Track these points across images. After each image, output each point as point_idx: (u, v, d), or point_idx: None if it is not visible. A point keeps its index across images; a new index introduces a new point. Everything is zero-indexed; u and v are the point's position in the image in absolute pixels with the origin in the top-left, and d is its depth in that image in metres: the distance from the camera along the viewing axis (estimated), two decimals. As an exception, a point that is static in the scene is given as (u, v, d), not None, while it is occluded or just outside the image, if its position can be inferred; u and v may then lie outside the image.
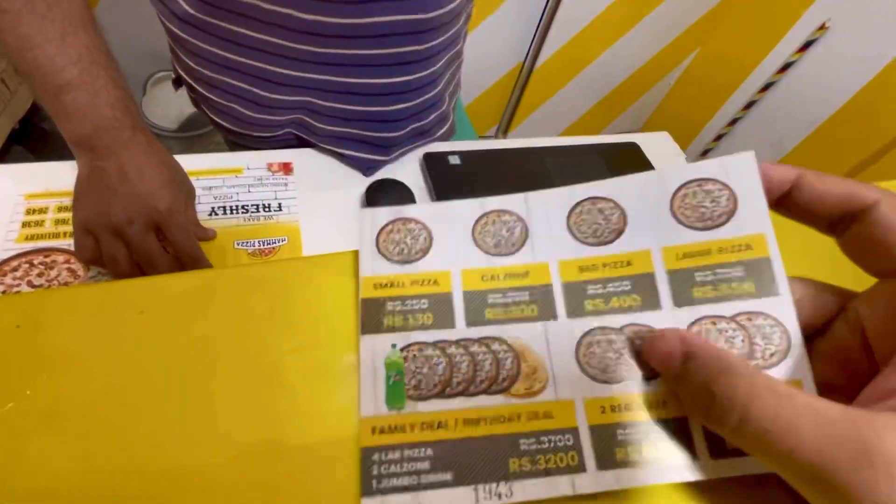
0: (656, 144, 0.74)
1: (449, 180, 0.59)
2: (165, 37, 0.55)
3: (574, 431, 0.18)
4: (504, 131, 1.72)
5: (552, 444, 0.17)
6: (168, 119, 1.34)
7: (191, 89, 0.59)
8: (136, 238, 0.39)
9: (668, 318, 0.19)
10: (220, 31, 0.48)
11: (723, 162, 0.19)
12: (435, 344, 0.19)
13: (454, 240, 0.21)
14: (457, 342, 0.19)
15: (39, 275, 0.42)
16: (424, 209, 0.21)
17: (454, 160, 0.61)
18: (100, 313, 0.17)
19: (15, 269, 0.41)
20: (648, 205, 0.20)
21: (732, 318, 0.18)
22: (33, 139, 0.98)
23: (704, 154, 1.71)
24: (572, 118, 1.78)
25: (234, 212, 0.51)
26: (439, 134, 0.64)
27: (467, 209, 0.21)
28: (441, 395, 0.18)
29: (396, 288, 0.20)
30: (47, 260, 0.42)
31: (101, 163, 0.39)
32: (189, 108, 1.16)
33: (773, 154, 1.50)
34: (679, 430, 0.17)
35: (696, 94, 1.73)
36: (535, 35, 1.45)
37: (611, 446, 0.17)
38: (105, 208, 0.39)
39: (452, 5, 0.51)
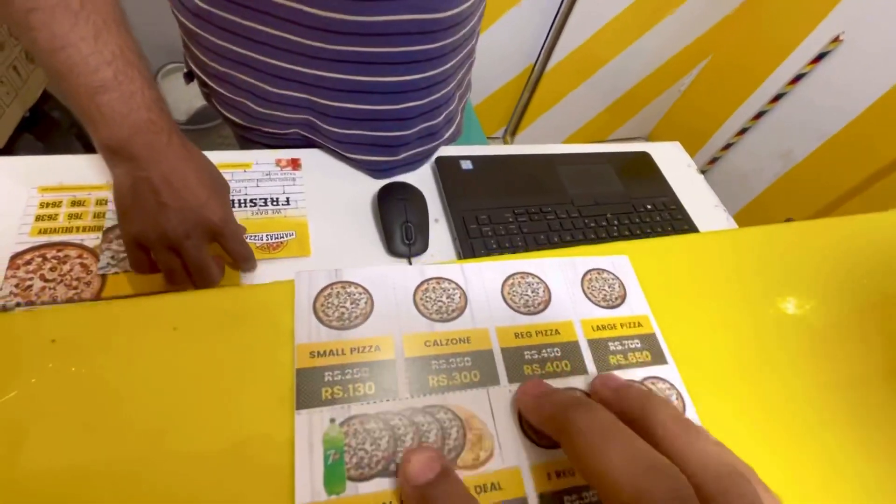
0: (667, 154, 0.74)
1: (460, 185, 0.59)
2: (176, 29, 0.55)
3: (523, 501, 0.17)
4: (512, 133, 1.72)
5: None
6: (178, 112, 1.34)
7: (202, 83, 0.59)
8: (193, 252, 0.39)
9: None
10: (231, 26, 0.48)
11: (611, 259, 0.25)
12: (377, 416, 0.18)
13: (396, 305, 0.21)
14: (400, 413, 0.18)
15: (52, 269, 0.42)
16: (364, 273, 0.21)
17: (466, 165, 0.61)
18: (135, 329, 0.17)
19: (28, 263, 0.41)
20: (565, 283, 0.24)
21: (642, 382, 0.22)
22: (43, 127, 0.98)
23: (712, 163, 1.71)
24: (580, 122, 1.78)
25: (244, 205, 0.51)
26: (447, 135, 0.64)
27: (409, 275, 0.22)
28: (384, 472, 0.17)
29: (335, 356, 0.19)
30: (60, 254, 0.43)
31: (143, 173, 0.38)
32: (199, 101, 1.16)
33: (782, 166, 1.49)
34: None
35: (706, 101, 1.72)
36: (546, 37, 1.44)
37: None
38: (160, 224, 0.38)
39: (465, 5, 0.50)
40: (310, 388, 0.18)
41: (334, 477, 0.16)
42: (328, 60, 0.49)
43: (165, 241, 0.39)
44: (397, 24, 0.47)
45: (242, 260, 0.44)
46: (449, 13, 0.49)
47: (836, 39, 1.29)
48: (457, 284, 0.22)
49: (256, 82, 0.52)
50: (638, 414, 0.17)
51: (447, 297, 0.22)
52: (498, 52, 1.44)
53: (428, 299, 0.21)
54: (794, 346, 0.25)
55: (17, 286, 0.40)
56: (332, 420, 0.17)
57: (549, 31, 1.43)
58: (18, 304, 0.39)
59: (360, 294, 0.21)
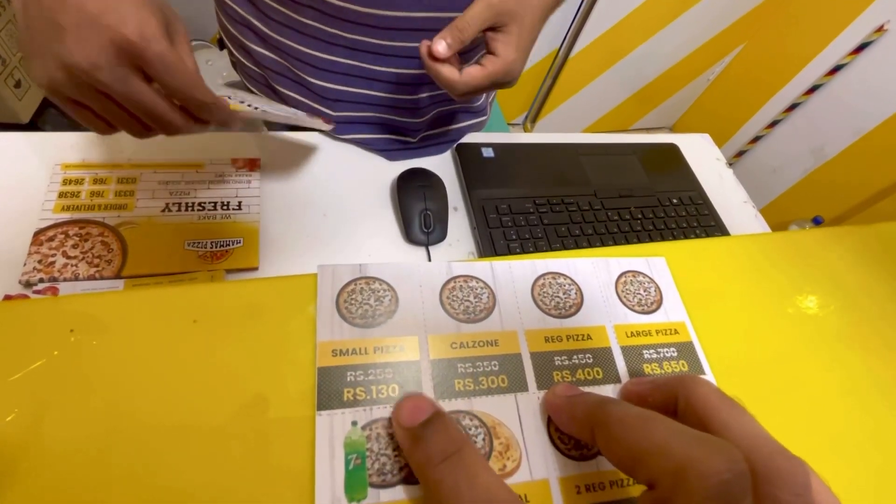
0: (696, 147, 0.71)
1: (481, 173, 0.57)
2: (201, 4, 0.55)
3: None
4: (533, 120, 1.68)
5: None
6: (214, 85, 1.34)
7: (230, 52, 0.60)
8: (116, 86, 0.28)
9: None
10: (259, 3, 0.49)
11: (647, 261, 0.24)
12: None
13: (421, 303, 0.20)
14: None
15: (74, 246, 0.42)
16: (390, 269, 0.20)
17: (487, 152, 0.60)
18: (153, 320, 0.16)
19: (51, 239, 0.42)
20: (598, 285, 0.22)
21: None
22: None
23: (739, 156, 1.66)
24: (603, 110, 1.73)
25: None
26: (469, 123, 0.63)
27: (435, 272, 0.21)
28: (408, 479, 0.16)
29: (358, 355, 0.18)
30: (82, 232, 0.43)
31: None
32: (212, 78, 1.16)
33: (813, 161, 1.44)
34: None
35: (736, 92, 1.66)
36: (572, 23, 1.40)
37: None
38: (59, 56, 0.27)
39: None
40: (331, 388, 0.17)
41: (356, 483, 0.16)
42: (346, 48, 0.49)
43: (78, 81, 0.28)
44: (412, 20, 0.47)
45: (183, 97, 0.30)
46: None
47: (881, 29, 1.23)
48: (485, 283, 0.21)
49: (280, 60, 0.53)
50: (679, 397, 0.16)
51: (475, 297, 0.21)
52: (521, 35, 1.40)
53: (455, 298, 0.20)
54: (839, 359, 0.24)
55: (40, 262, 0.41)
56: (354, 423, 0.17)
57: (574, 15, 1.39)
58: (41, 280, 0.40)
59: (385, 291, 0.20)
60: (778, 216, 1.52)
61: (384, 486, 0.16)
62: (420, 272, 0.21)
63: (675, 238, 0.59)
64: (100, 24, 0.27)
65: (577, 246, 0.55)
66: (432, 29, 0.47)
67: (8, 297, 0.39)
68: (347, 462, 0.16)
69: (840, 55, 1.32)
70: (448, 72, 0.40)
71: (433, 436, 0.15)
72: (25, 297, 0.39)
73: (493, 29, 0.41)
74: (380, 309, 0.19)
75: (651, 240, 0.58)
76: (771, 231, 0.66)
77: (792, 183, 1.50)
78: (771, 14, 1.50)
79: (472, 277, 0.21)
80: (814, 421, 0.21)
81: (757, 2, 1.47)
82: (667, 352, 0.21)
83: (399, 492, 0.16)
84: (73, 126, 0.45)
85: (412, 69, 0.52)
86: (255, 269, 0.45)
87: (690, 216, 0.61)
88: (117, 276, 0.42)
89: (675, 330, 0.22)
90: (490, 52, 0.42)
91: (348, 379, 0.18)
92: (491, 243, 0.52)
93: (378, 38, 0.48)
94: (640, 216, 0.59)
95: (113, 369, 0.16)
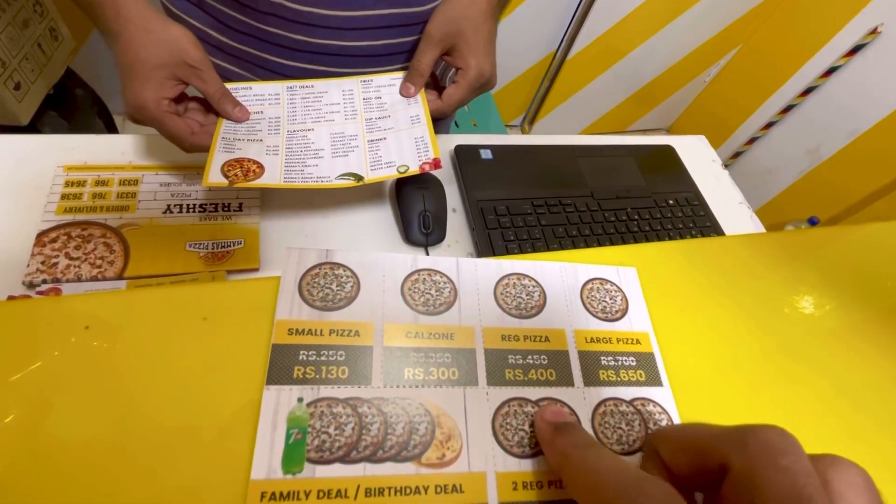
0: (692, 148, 0.72)
1: (479, 175, 0.58)
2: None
3: None
4: (530, 121, 1.69)
5: None
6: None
7: None
8: (154, 127, 0.40)
9: (579, 395, 0.20)
10: (218, 14, 0.48)
11: (617, 270, 0.24)
12: (346, 401, 0.17)
13: (382, 292, 0.20)
14: (370, 401, 0.18)
15: (77, 247, 0.42)
16: (355, 257, 0.21)
17: (486, 154, 0.60)
18: (166, 316, 0.17)
19: (54, 241, 0.42)
20: (563, 289, 0.23)
21: (631, 402, 0.20)
22: (67, 105, 0.99)
23: (735, 157, 1.67)
24: (601, 112, 1.74)
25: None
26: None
27: (399, 264, 0.21)
28: (345, 458, 0.16)
29: (313, 336, 0.18)
30: (84, 233, 0.43)
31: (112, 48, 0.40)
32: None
33: (808, 162, 1.45)
34: None
35: (732, 93, 1.67)
36: (569, 25, 1.41)
37: None
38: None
39: None
40: (282, 365, 0.18)
41: (294, 456, 0.16)
42: (312, 53, 0.49)
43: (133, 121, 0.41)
44: (377, 17, 0.47)
45: (185, 140, 0.41)
46: (429, 6, 0.49)
47: (874, 31, 1.24)
48: (448, 278, 0.22)
49: (239, 71, 0.53)
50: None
51: (436, 290, 0.21)
52: (519, 39, 1.41)
53: (416, 290, 0.21)
54: (802, 365, 0.24)
55: (43, 263, 0.41)
56: (300, 399, 0.17)
57: (572, 18, 1.40)
58: (44, 281, 0.40)
59: (348, 277, 0.20)
60: (774, 217, 1.53)
61: (321, 462, 0.16)
62: (385, 262, 0.21)
63: (671, 238, 0.59)
64: (123, 94, 0.39)
65: (575, 246, 0.55)
66: (397, 25, 0.48)
67: (11, 299, 0.39)
68: (288, 436, 0.16)
69: (835, 57, 1.33)
70: (431, 105, 0.48)
71: (576, 431, 0.17)
72: (28, 297, 0.39)
73: (447, 54, 0.47)
74: (340, 294, 0.20)
75: (647, 240, 0.59)
76: (766, 232, 0.67)
77: (788, 184, 1.51)
78: (767, 17, 1.52)
79: (436, 272, 0.22)
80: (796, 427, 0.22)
81: (753, 4, 1.49)
82: (625, 360, 0.22)
83: (334, 469, 0.16)
84: (74, 130, 0.45)
85: (378, 67, 0.52)
86: (256, 269, 0.45)
87: (686, 217, 0.62)
88: (119, 278, 0.42)
89: (637, 340, 0.22)
90: (458, 68, 0.47)
91: (300, 357, 0.18)
92: (489, 244, 0.52)
93: (345, 39, 0.48)
94: (636, 217, 0.60)
95: (128, 366, 0.16)
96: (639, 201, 0.62)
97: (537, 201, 0.57)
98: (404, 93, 0.48)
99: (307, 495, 0.15)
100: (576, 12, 1.38)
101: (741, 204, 0.68)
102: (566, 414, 0.17)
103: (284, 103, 0.47)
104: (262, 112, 0.46)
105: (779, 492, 0.12)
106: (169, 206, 0.47)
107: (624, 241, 0.58)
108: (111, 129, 1.15)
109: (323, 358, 0.18)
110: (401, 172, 0.42)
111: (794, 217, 1.44)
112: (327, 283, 0.20)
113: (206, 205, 0.48)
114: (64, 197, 0.45)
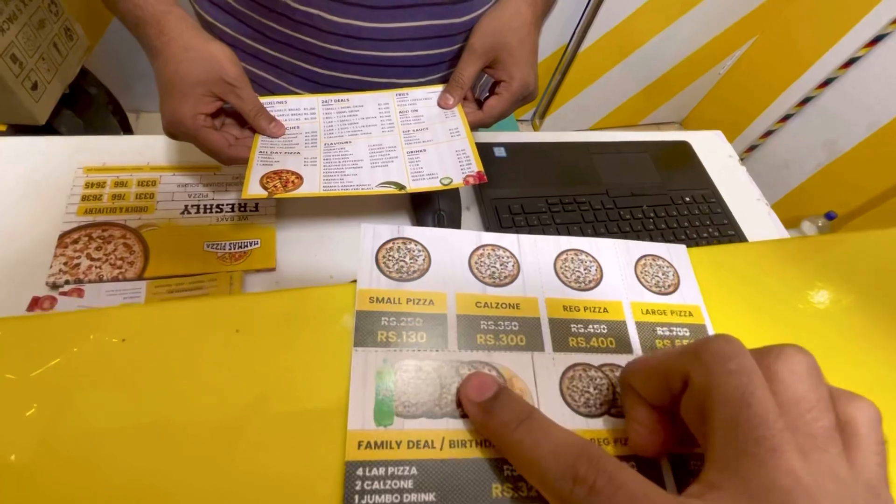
0: (708, 144, 0.71)
1: (493, 173, 0.58)
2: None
3: None
4: (542, 116, 1.68)
5: None
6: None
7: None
8: (193, 143, 0.41)
9: None
10: (253, 23, 0.48)
11: (667, 247, 0.25)
12: (426, 363, 0.19)
13: (451, 265, 0.22)
14: (447, 363, 0.19)
15: (98, 248, 0.43)
16: (425, 233, 0.22)
17: (499, 152, 0.60)
18: (199, 329, 0.17)
19: (76, 242, 0.43)
20: (618, 265, 0.24)
21: None
22: (82, 104, 1.00)
23: (750, 151, 1.64)
24: (613, 105, 1.72)
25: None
26: None
27: (465, 239, 0.23)
28: (429, 414, 0.18)
29: (392, 304, 0.20)
30: (105, 234, 0.44)
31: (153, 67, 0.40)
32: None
33: (825, 155, 1.42)
34: (651, 466, 0.18)
35: (748, 85, 1.64)
36: (581, 18, 1.39)
37: None
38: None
39: (483, 9, 0.49)
40: (367, 329, 0.19)
41: (383, 411, 0.18)
42: (348, 63, 0.49)
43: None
44: (414, 29, 0.47)
45: (222, 153, 0.42)
46: (467, 17, 0.49)
47: (896, 21, 1.21)
48: (511, 253, 0.23)
49: (275, 79, 0.53)
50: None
51: (500, 264, 0.23)
52: (530, 31, 1.39)
53: (482, 264, 0.22)
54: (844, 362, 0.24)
55: (65, 264, 0.42)
56: (385, 361, 0.19)
57: (584, 11, 1.38)
58: (67, 282, 0.41)
59: (420, 251, 0.22)
60: (790, 211, 1.50)
61: (407, 416, 0.18)
62: (452, 238, 0.23)
63: (687, 237, 0.59)
64: (161, 109, 0.40)
65: (590, 245, 0.55)
66: (434, 37, 0.48)
67: (36, 298, 0.40)
68: (378, 392, 0.18)
69: (855, 48, 1.30)
70: (471, 117, 0.47)
71: (505, 406, 0.17)
72: (52, 298, 0.40)
73: (490, 66, 0.47)
74: (414, 266, 0.21)
75: (664, 239, 0.58)
76: (784, 228, 0.66)
77: (805, 178, 1.49)
78: (784, 6, 1.48)
79: (500, 247, 0.23)
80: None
81: (769, -6, 1.46)
82: (679, 331, 0.23)
83: (422, 423, 0.18)
84: (90, 129, 0.46)
85: (414, 78, 0.52)
86: (273, 269, 0.46)
87: (703, 214, 0.61)
88: (140, 278, 0.43)
89: (690, 312, 0.23)
90: (501, 81, 0.46)
91: (382, 323, 0.20)
92: (504, 243, 0.52)
93: (381, 50, 0.48)
94: (652, 215, 0.59)
95: (163, 376, 0.17)
96: (654, 199, 0.61)
97: (552, 199, 0.57)
98: (442, 104, 0.48)
99: (398, 445, 0.17)
100: (587, 5, 1.36)
101: (759, 200, 0.67)
102: (490, 383, 0.18)
103: (320, 118, 0.47)
104: (298, 127, 0.46)
105: (725, 392, 0.14)
106: (186, 206, 0.47)
107: (639, 240, 0.57)
108: (125, 126, 1.16)
109: (403, 324, 0.20)
110: (444, 185, 0.42)
111: (811, 211, 1.42)
112: (401, 257, 0.21)
113: (223, 205, 0.48)
114: (84, 198, 0.46)
